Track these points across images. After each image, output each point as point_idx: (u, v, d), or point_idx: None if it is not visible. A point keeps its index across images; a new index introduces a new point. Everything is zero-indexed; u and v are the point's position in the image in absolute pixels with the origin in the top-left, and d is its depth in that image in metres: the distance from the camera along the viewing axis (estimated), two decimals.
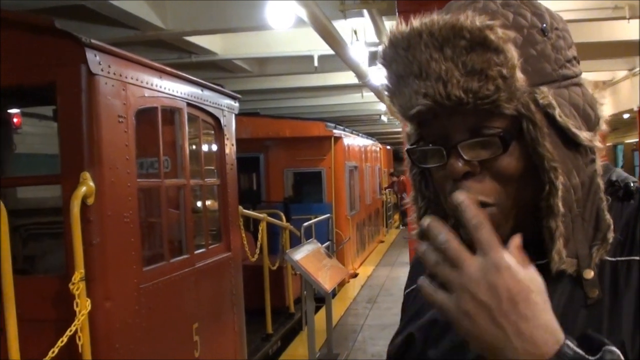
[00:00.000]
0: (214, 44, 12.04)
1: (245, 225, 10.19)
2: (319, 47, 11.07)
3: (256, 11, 9.11)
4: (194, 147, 6.74)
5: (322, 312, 9.78)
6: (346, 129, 16.01)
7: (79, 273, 4.21)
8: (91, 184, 4.41)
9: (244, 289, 7.55)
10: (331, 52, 10.54)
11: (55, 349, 4.08)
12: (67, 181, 4.44)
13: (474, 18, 1.06)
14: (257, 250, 9.18)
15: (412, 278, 1.43)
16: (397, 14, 6.20)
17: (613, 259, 1.14)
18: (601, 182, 1.17)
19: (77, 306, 4.18)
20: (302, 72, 14.57)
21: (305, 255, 8.35)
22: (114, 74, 4.72)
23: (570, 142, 1.12)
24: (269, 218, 9.75)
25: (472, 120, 1.11)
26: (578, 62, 1.21)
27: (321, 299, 9.65)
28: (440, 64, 1.07)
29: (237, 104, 7.69)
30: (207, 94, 6.70)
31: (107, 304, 4.53)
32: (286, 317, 10.58)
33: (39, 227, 6.45)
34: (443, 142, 1.14)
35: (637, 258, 1.12)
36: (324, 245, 9.81)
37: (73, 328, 4.14)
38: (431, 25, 1.08)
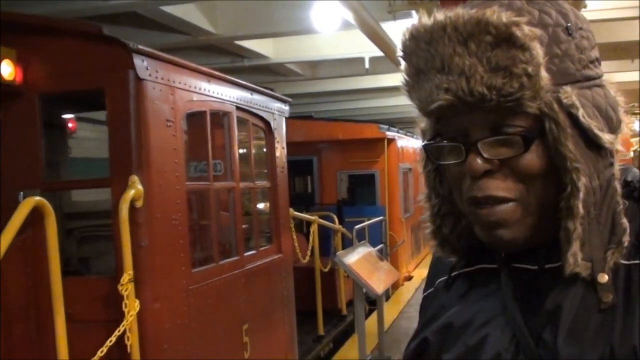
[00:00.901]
0: (266, 48, 12.14)
1: (299, 227, 10.24)
2: (369, 49, 11.06)
3: (304, 15, 9.15)
4: (244, 150, 6.80)
5: (375, 314, 9.75)
6: (400, 131, 15.93)
7: (127, 274, 4.28)
8: (139, 187, 4.48)
9: (296, 291, 7.59)
10: (382, 53, 10.52)
11: (104, 349, 4.17)
12: (116, 184, 4.53)
13: (500, 14, 1.05)
14: (309, 252, 9.20)
15: (430, 281, 1.42)
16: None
17: (627, 262, 1.11)
18: (618, 186, 1.15)
19: (125, 307, 4.25)
20: (354, 75, 14.57)
21: (355, 257, 8.33)
22: (162, 78, 4.80)
23: (592, 143, 1.11)
24: (320, 220, 9.76)
25: (494, 118, 1.10)
26: (600, 64, 1.20)
27: (375, 302, 9.62)
28: (464, 59, 1.06)
29: (287, 107, 7.73)
30: (256, 97, 6.75)
31: (156, 305, 4.60)
32: (338, 319, 10.58)
33: (93, 230, 6.58)
34: (462, 139, 1.13)
35: None
36: (376, 248, 9.78)
37: (121, 328, 4.22)
38: (456, 19, 1.07)
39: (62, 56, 4.65)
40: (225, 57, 12.19)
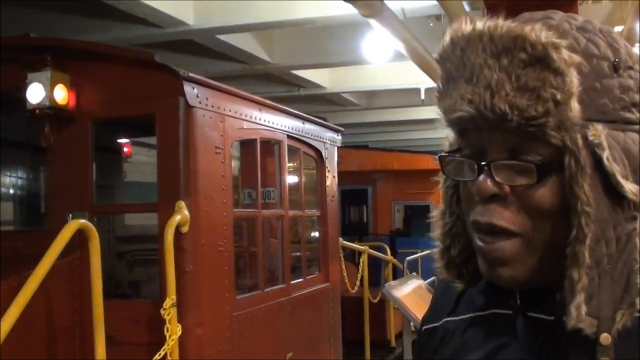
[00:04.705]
0: (322, 77, 12.22)
1: (350, 257, 10.19)
2: (425, 80, 11.02)
3: (358, 46, 9.19)
4: (295, 178, 6.84)
5: None
6: None
7: (170, 299, 4.31)
8: (186, 212, 4.52)
9: (345, 321, 7.54)
10: None
11: None
12: (163, 209, 4.57)
13: (540, 32, 0.98)
14: (358, 282, 9.15)
15: (434, 314, 1.34)
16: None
17: None
18: (639, 243, 1.04)
19: (167, 331, 4.28)
20: (410, 105, 14.55)
21: (405, 289, 8.24)
22: (212, 106, 4.85)
23: (612, 191, 1.01)
24: (370, 250, 9.71)
25: (514, 141, 1.02)
26: None
27: None
28: (493, 72, 0.99)
29: (339, 137, 7.73)
30: (308, 126, 6.78)
31: (198, 330, 4.61)
32: (387, 350, 10.47)
33: (144, 254, 6.66)
34: (478, 157, 1.05)
35: None
36: (427, 280, 9.65)
37: (162, 352, 4.24)
38: (494, 29, 1.00)
39: (114, 82, 4.74)
40: (281, 86, 12.32)
